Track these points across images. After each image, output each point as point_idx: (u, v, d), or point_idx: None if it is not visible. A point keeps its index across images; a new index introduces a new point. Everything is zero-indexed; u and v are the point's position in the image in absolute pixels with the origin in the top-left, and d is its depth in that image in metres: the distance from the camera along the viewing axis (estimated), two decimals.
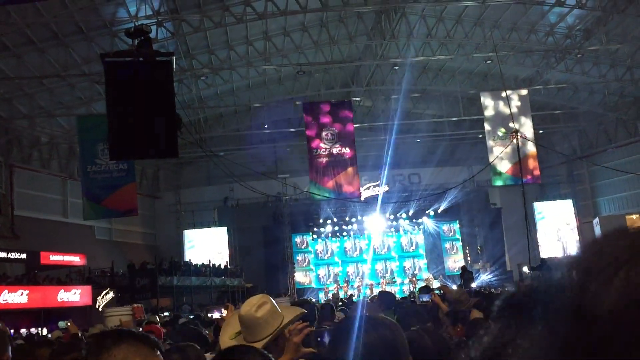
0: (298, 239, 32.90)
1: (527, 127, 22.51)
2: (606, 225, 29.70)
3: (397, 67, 26.28)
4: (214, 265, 28.82)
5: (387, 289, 27.77)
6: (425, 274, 31.47)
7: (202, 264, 28.53)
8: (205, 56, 23.64)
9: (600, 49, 24.08)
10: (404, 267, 32.53)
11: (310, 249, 32.90)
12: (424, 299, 5.60)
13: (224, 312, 4.64)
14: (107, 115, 8.58)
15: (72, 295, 20.20)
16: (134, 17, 18.37)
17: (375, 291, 27.14)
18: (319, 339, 3.78)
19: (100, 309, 20.64)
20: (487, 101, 23.05)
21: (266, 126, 29.28)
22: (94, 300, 20.86)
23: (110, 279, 23.54)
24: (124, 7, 18.80)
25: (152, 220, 33.25)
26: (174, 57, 8.82)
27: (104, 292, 21.46)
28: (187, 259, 29.67)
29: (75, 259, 22.49)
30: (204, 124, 29.15)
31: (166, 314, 18.99)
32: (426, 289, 7.58)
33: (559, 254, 31.50)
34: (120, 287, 23.01)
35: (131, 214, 18.73)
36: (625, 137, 30.70)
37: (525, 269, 26.91)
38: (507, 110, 20.93)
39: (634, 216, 30.01)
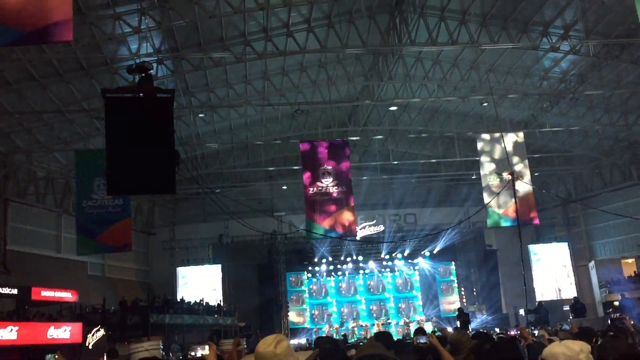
0: (293, 278, 32.63)
1: (523, 169, 22.62)
2: (602, 268, 29.67)
3: (394, 108, 26.58)
4: (207, 303, 28.49)
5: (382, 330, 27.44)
6: (419, 317, 31.15)
7: (195, 301, 28.19)
8: (204, 94, 23.88)
9: (595, 94, 24.44)
10: (399, 307, 32.22)
11: (304, 288, 32.60)
12: (422, 341, 5.53)
13: (206, 350, 4.59)
14: (105, 149, 8.58)
15: (62, 332, 19.81)
16: (135, 54, 18.61)
17: (370, 332, 26.82)
18: None
19: (90, 347, 20.26)
20: (482, 143, 23.20)
21: (263, 164, 29.37)
22: (84, 337, 20.48)
23: (102, 316, 23.14)
24: (125, 45, 19.06)
25: (146, 256, 33.01)
26: (174, 94, 8.89)
27: (95, 329, 21.09)
28: (180, 296, 29.33)
29: (66, 295, 22.16)
30: (201, 160, 29.22)
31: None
32: (421, 331, 7.48)
33: (554, 296, 31.29)
34: (111, 324, 22.61)
35: (125, 249, 18.58)
36: (620, 181, 30.88)
37: (522, 311, 26.70)
38: (502, 153, 21.07)
39: (630, 260, 29.95)
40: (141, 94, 8.87)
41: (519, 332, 7.86)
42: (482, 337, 6.58)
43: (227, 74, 22.80)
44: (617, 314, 19.69)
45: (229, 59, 20.73)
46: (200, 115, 25.04)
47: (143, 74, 9.00)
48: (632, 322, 9.34)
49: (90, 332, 20.76)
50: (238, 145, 29.91)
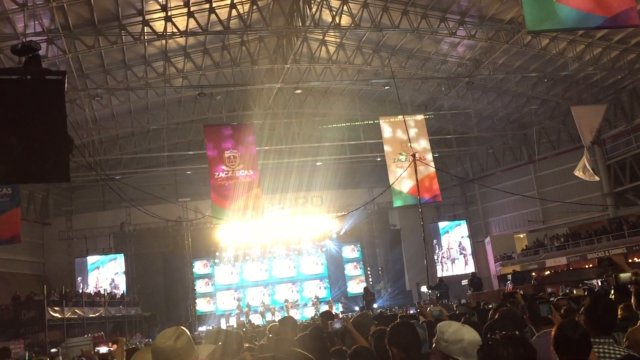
0: (199, 264, 32.05)
1: (424, 149, 23.42)
2: (497, 243, 31.45)
3: (299, 91, 26.56)
4: (109, 294, 27.44)
5: (292, 312, 27.64)
6: (328, 297, 31.62)
7: (97, 292, 27.07)
8: (100, 76, 22.66)
9: (488, 78, 25.65)
10: (307, 290, 32.54)
11: (212, 274, 32.14)
12: (337, 326, 5.51)
13: (113, 347, 4.33)
14: None
15: None
16: (22, 33, 17.31)
17: (278, 315, 26.94)
18: None
19: None
20: (385, 125, 23.78)
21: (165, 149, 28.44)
22: None
23: None
24: (10, 23, 17.67)
25: (41, 248, 31.15)
26: (66, 76, 8.33)
27: None
28: (79, 288, 28.02)
29: None
30: (99, 146, 27.88)
31: (54, 350, 17.73)
32: (330, 315, 7.51)
33: (455, 272, 32.81)
34: (3, 321, 21.27)
35: (13, 241, 17.41)
36: (512, 161, 32.81)
37: (424, 288, 27.79)
38: (404, 134, 21.69)
39: (521, 235, 31.97)
40: (29, 76, 8.27)
41: (418, 310, 8.10)
42: (380, 320, 6.70)
43: (124, 54, 21.78)
44: (509, 287, 20.93)
45: (126, 39, 19.77)
46: (97, 98, 23.79)
47: (30, 55, 8.40)
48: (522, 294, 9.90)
49: None
50: (139, 130, 28.82)
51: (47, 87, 8.14)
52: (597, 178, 24.48)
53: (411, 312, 13.79)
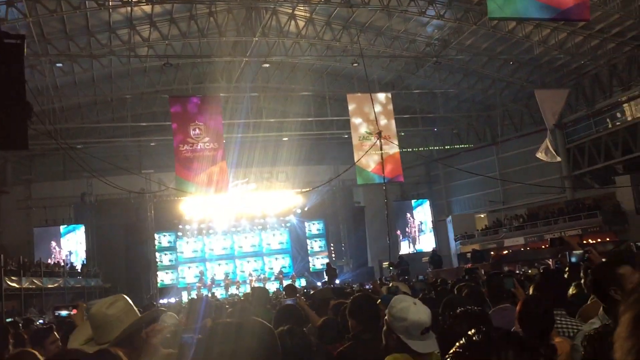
0: (162, 237, 31.80)
1: (390, 128, 23.57)
2: (458, 223, 32.05)
3: (267, 65, 26.33)
4: (70, 263, 27.06)
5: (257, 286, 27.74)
6: (291, 273, 31.80)
7: (56, 263, 26.65)
8: (62, 42, 22.04)
9: (455, 59, 25.86)
10: (271, 264, 32.67)
11: (175, 247, 31.94)
12: (289, 302, 5.55)
13: (73, 312, 4.33)
14: None
15: None
16: None
17: (242, 289, 27.04)
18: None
19: None
20: (352, 103, 23.81)
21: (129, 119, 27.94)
22: None
23: None
24: None
25: None
26: (26, 41, 8.09)
27: None
28: (38, 258, 27.54)
29: None
30: (60, 114, 27.20)
31: (9, 320, 17.42)
32: (291, 290, 7.59)
33: (424, 248, 33.30)
34: None
35: None
36: (475, 142, 33.29)
37: (385, 264, 28.19)
38: (371, 112, 21.77)
39: (482, 215, 32.63)
40: None
41: (372, 286, 8.19)
42: (339, 295, 6.79)
43: (88, 20, 21.19)
44: (470, 265, 21.41)
45: (90, 4, 19.23)
46: (58, 64, 23.15)
47: None
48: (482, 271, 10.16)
49: None
50: (101, 99, 28.19)
51: (6, 51, 7.90)
52: (559, 159, 25.02)
53: (367, 287, 13.98)
